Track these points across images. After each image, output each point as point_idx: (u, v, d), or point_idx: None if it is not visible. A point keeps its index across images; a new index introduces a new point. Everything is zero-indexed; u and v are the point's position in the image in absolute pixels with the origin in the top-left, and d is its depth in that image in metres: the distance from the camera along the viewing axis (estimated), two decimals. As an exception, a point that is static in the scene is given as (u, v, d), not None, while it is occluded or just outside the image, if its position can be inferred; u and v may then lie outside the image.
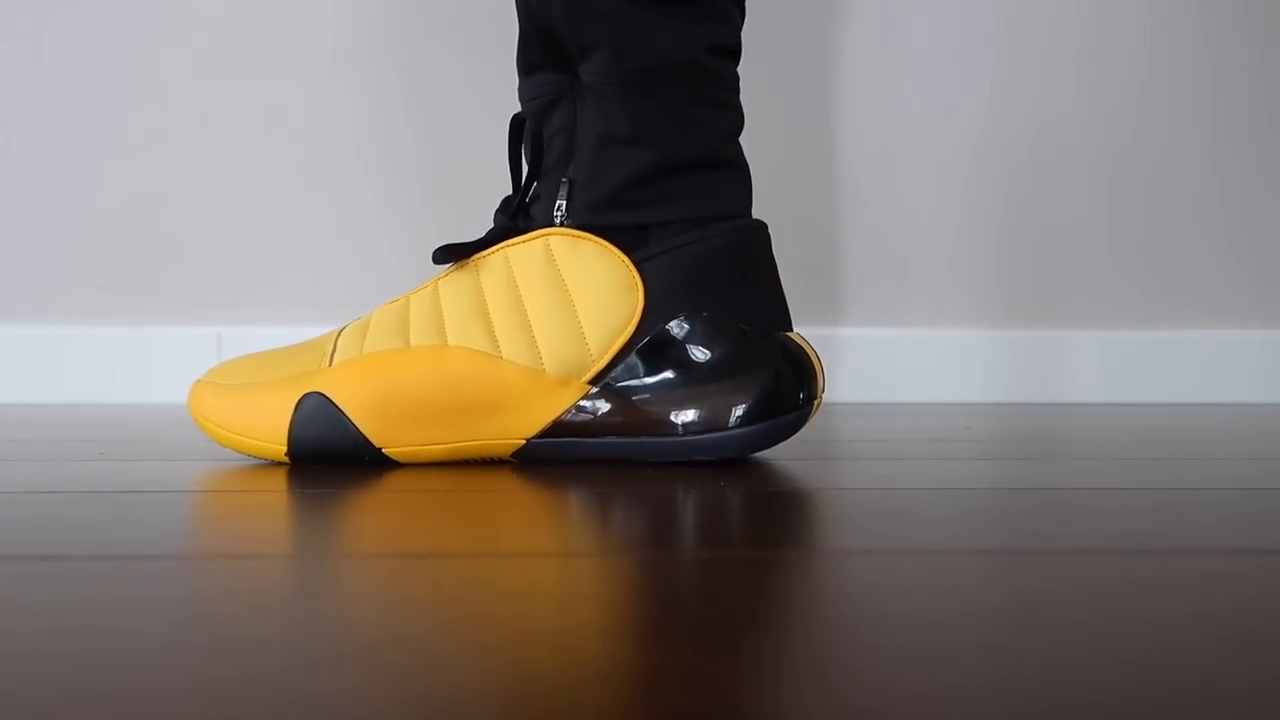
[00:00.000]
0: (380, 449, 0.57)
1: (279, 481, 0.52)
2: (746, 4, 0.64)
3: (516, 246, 0.60)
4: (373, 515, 0.43)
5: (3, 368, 1.12)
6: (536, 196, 0.62)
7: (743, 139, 0.65)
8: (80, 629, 0.26)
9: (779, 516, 0.43)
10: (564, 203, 0.60)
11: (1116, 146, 1.20)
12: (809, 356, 0.60)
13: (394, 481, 0.52)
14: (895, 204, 1.20)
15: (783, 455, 0.61)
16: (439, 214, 1.14)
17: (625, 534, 0.40)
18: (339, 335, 0.61)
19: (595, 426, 0.58)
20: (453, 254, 0.61)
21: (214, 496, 0.49)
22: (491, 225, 0.64)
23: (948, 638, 0.25)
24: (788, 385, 0.58)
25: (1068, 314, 1.21)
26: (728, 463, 0.57)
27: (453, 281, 0.61)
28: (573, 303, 0.58)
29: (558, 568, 0.33)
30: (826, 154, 1.18)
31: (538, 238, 0.59)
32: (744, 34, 0.64)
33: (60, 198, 1.14)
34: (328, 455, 0.58)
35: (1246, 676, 0.23)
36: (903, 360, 1.18)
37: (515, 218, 0.63)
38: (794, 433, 0.58)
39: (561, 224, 0.60)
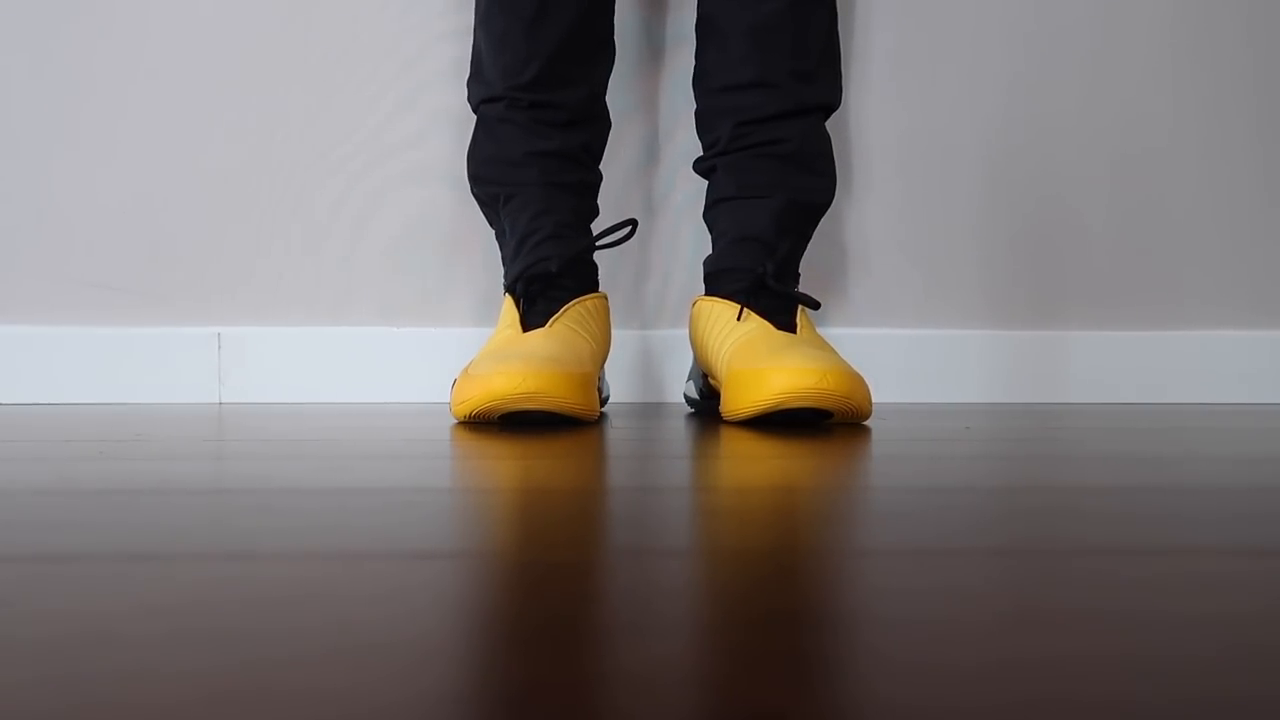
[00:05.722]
0: None
1: (280, 480, 0.52)
2: None
3: None
4: (375, 515, 0.43)
5: (3, 368, 1.12)
6: None
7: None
8: (80, 630, 0.26)
9: (777, 516, 0.43)
10: None
11: (1116, 148, 1.20)
12: None
13: (401, 480, 0.52)
14: (895, 206, 1.20)
15: (781, 454, 0.61)
16: (439, 214, 1.14)
17: (618, 535, 0.40)
18: None
19: None
20: None
21: (214, 496, 0.49)
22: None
23: (948, 638, 0.25)
24: None
25: (1068, 314, 1.21)
26: (727, 458, 0.57)
27: None
28: None
29: (559, 568, 0.33)
30: (826, 154, 1.18)
31: None
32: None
33: (59, 198, 1.14)
34: None
35: (1247, 677, 0.23)
36: (903, 360, 1.18)
37: None
38: None
39: None
